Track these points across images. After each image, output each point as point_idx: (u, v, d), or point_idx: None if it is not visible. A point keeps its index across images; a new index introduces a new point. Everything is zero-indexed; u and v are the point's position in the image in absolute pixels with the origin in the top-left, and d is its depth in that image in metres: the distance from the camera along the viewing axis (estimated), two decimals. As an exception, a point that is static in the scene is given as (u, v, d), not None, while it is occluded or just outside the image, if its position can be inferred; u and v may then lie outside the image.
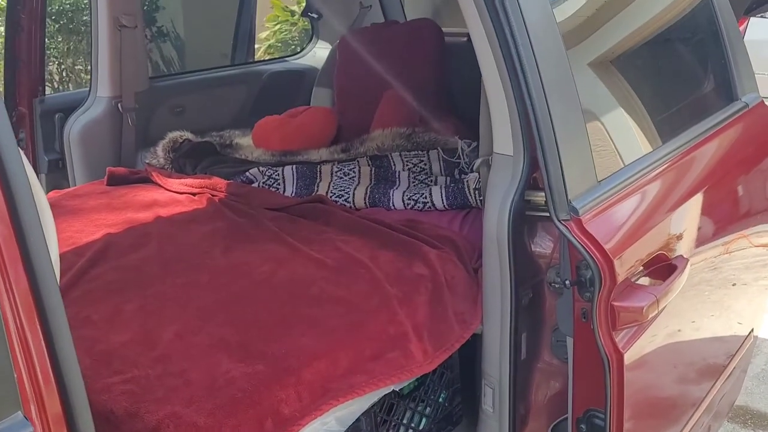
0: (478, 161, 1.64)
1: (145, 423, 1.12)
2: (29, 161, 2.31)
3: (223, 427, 1.11)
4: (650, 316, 1.24)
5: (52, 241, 0.92)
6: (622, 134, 1.58)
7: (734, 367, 1.90)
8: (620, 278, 1.22)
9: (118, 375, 1.22)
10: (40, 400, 0.72)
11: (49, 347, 0.74)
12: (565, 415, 1.41)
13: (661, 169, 1.49)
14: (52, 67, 5.11)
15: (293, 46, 3.90)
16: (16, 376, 0.71)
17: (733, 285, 1.91)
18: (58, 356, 0.74)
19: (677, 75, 1.93)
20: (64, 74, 5.36)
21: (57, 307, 0.78)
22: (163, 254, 1.66)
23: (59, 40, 5.16)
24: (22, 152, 0.87)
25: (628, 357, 1.27)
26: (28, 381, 0.72)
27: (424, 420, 1.63)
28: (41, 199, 0.94)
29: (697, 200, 1.58)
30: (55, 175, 2.32)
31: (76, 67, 5.33)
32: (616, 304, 1.21)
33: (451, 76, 2.62)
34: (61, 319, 0.78)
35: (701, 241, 1.64)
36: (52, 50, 5.09)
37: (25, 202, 0.75)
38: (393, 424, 1.55)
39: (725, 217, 1.82)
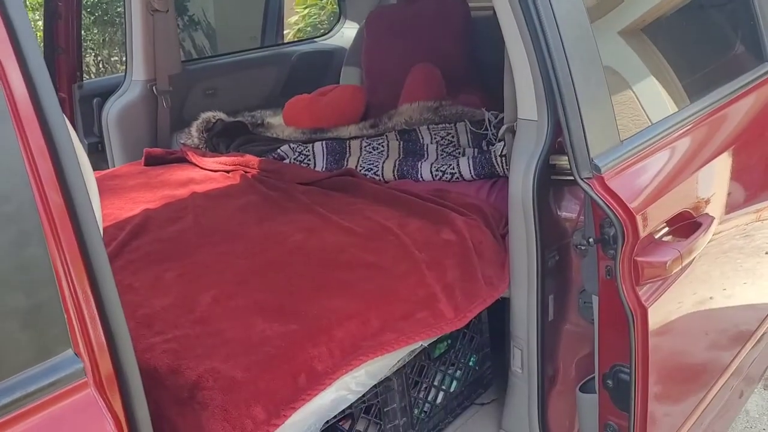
0: (503, 128, 1.66)
1: (186, 378, 1.18)
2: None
3: (259, 380, 1.17)
4: (674, 271, 1.25)
5: (95, 202, 0.98)
6: (650, 96, 1.59)
7: (765, 332, 1.89)
8: (643, 234, 1.24)
9: (160, 335, 1.29)
10: (88, 339, 0.78)
11: (94, 292, 0.80)
12: (593, 375, 1.44)
13: (686, 128, 1.49)
14: (88, 59, 5.23)
15: (322, 30, 3.93)
16: (66, 317, 0.76)
17: (766, 253, 1.90)
18: (103, 298, 0.80)
19: (706, 38, 1.92)
20: (100, 65, 5.48)
21: (102, 258, 0.84)
22: (199, 226, 1.72)
23: (95, 31, 5.28)
24: (70, 126, 0.93)
25: (654, 318, 1.29)
26: (77, 323, 0.78)
27: (454, 382, 1.67)
28: (86, 167, 1.00)
29: (724, 160, 1.58)
30: (95, 157, 2.40)
31: (112, 59, 5.44)
32: (639, 259, 1.23)
33: (478, 50, 2.63)
34: (105, 269, 0.84)
35: (731, 206, 1.64)
36: (88, 42, 5.21)
37: (72, 172, 0.81)
38: (424, 385, 1.59)
39: (756, 182, 1.81)
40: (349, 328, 1.31)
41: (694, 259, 1.35)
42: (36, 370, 0.74)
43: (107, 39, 5.33)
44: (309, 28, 5.23)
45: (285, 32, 4.39)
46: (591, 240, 1.28)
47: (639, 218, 1.23)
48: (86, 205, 0.83)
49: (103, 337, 0.84)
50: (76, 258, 0.81)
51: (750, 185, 1.77)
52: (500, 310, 1.62)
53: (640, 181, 1.32)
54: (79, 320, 0.78)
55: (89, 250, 0.83)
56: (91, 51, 5.33)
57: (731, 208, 1.65)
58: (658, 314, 1.31)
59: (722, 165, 1.60)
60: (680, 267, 1.27)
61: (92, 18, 5.20)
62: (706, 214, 1.42)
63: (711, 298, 1.62)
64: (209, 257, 1.54)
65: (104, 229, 1.74)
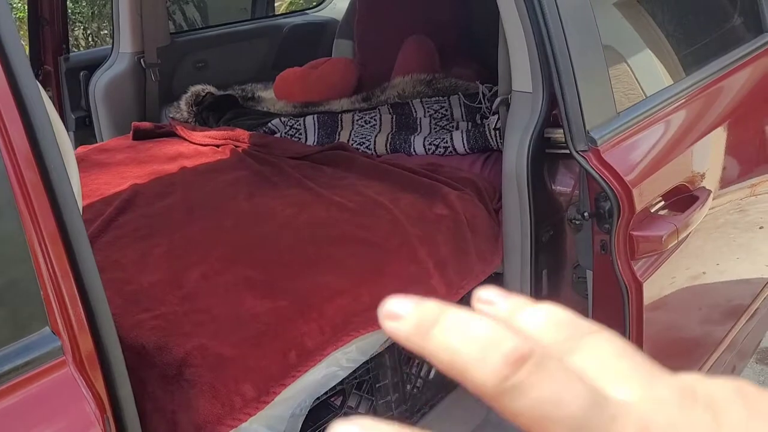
0: (497, 101, 1.63)
1: (174, 355, 1.16)
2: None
3: (248, 357, 1.15)
4: (669, 246, 1.23)
5: (74, 177, 0.95)
6: (646, 68, 1.56)
7: (758, 307, 1.88)
8: (639, 208, 1.22)
9: (147, 312, 1.26)
10: (67, 316, 0.76)
11: (73, 269, 0.77)
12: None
13: (683, 101, 1.46)
14: (78, 32, 5.15)
15: (315, 2, 3.87)
16: (42, 295, 0.74)
17: (760, 228, 1.88)
18: (82, 275, 0.77)
19: (703, 8, 1.88)
20: (90, 39, 5.39)
21: (80, 234, 0.81)
22: (188, 201, 1.69)
23: (83, 4, 5.19)
24: (47, 99, 0.90)
25: (649, 292, 1.27)
26: (55, 300, 0.76)
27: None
28: (65, 142, 0.97)
29: (721, 134, 1.55)
30: (83, 131, 2.36)
31: (101, 32, 5.35)
32: (634, 233, 1.21)
33: (473, 20, 2.58)
34: (84, 245, 0.81)
35: (726, 180, 1.62)
36: (77, 15, 5.12)
37: (49, 147, 0.78)
38: (417, 362, 1.58)
39: (751, 156, 1.79)
40: (339, 304, 1.29)
41: (690, 233, 1.34)
42: (10, 349, 0.71)
43: (96, 12, 5.24)
44: (302, 1, 5.15)
45: (277, 3, 4.31)
46: (586, 214, 1.26)
47: (635, 191, 1.20)
48: (64, 180, 0.80)
49: (83, 315, 0.81)
50: (53, 234, 0.79)
51: (745, 159, 1.74)
52: (494, 285, 1.60)
53: (637, 154, 1.30)
54: (57, 297, 0.76)
55: (67, 225, 0.80)
56: (80, 24, 5.24)
57: (726, 182, 1.63)
58: (653, 289, 1.29)
59: (719, 138, 1.57)
60: (676, 241, 1.25)
61: (81, -10, 5.10)
62: (703, 187, 1.40)
63: (705, 273, 1.61)
64: (198, 233, 1.52)
65: (91, 204, 1.72)
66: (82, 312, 0.81)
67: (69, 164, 0.93)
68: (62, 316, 0.77)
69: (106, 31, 5.32)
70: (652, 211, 1.28)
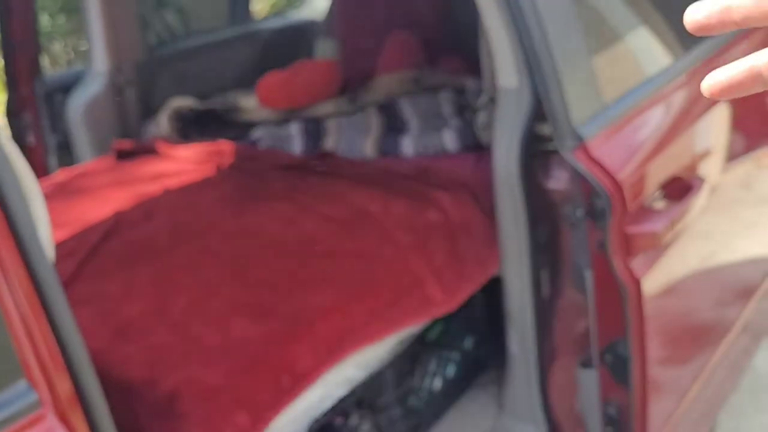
0: (484, 98, 1.59)
1: (164, 388, 1.12)
2: (36, 143, 2.31)
3: (240, 385, 1.11)
4: (666, 239, 1.19)
5: (40, 209, 0.91)
6: (636, 50, 1.51)
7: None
8: (632, 203, 1.18)
9: (135, 344, 1.23)
10: (43, 365, 0.72)
11: (48, 316, 0.74)
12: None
13: (677, 84, 1.41)
14: (57, 48, 5.08)
15: (297, 3, 3.81)
16: (14, 345, 0.70)
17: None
18: (55, 318, 0.74)
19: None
20: (72, 55, 5.33)
21: (49, 276, 0.77)
22: (173, 224, 1.65)
23: (61, 20, 5.12)
24: (4, 136, 0.85)
25: (651, 283, 1.24)
26: (29, 349, 0.72)
27: (451, 367, 1.62)
28: (24, 171, 0.92)
29: (718, 113, 1.50)
30: (64, 153, 2.31)
31: (81, 48, 5.29)
32: (629, 230, 1.17)
33: (458, 12, 2.52)
34: (54, 287, 0.77)
35: (729, 158, 1.57)
36: (56, 30, 5.05)
37: (5, 178, 0.74)
38: (419, 372, 1.54)
39: (753, 130, 1.74)
40: (332, 322, 1.25)
41: (690, 220, 1.29)
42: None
43: (76, 27, 5.17)
44: (284, 0, 5.08)
45: (260, 6, 4.24)
46: (580, 213, 1.22)
47: (627, 187, 1.16)
48: (24, 215, 0.76)
49: (61, 360, 0.77)
50: (22, 277, 0.74)
51: (748, 134, 1.70)
52: (495, 289, 1.56)
53: (628, 145, 1.25)
54: (31, 345, 0.72)
55: (35, 267, 0.76)
56: (61, 39, 5.17)
57: (729, 159, 1.58)
58: (657, 281, 1.25)
59: (718, 117, 1.52)
60: (673, 233, 1.21)
61: (59, 5, 5.03)
62: (697, 175, 1.36)
63: (712, 255, 1.57)
64: (183, 256, 1.47)
65: (74, 233, 1.67)
66: (61, 357, 0.77)
67: (34, 201, 0.89)
68: (39, 364, 0.73)
69: (85, 48, 5.25)
70: (648, 203, 1.24)
